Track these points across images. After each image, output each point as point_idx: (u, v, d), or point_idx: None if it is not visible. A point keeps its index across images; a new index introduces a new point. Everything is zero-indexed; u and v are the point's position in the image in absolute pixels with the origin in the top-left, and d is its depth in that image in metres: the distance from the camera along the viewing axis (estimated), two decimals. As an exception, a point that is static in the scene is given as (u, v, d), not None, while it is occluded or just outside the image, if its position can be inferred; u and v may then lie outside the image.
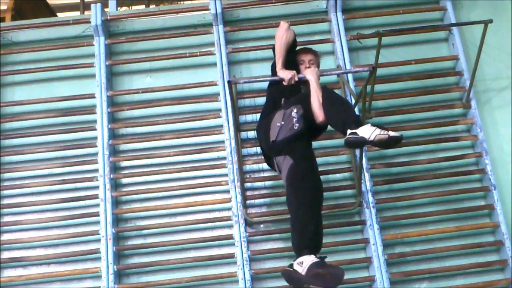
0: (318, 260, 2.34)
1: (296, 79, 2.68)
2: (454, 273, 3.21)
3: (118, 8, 4.06)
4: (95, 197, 3.30)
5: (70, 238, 3.28)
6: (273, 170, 2.96)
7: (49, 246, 3.31)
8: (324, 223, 3.06)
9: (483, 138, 3.35)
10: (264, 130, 2.73)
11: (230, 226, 3.28)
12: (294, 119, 2.60)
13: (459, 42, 3.50)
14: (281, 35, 2.81)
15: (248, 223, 3.25)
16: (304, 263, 2.33)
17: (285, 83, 2.70)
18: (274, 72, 2.83)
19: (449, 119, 3.44)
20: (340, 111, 2.47)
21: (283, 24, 2.85)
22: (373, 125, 2.30)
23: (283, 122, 2.61)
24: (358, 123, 2.36)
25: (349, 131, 2.34)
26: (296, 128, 2.59)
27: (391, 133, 2.26)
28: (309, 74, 2.69)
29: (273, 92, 2.90)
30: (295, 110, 2.62)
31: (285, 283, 3.12)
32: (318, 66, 2.97)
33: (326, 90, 2.64)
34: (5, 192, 3.39)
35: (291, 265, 2.41)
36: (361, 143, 2.31)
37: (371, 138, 2.25)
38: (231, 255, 3.19)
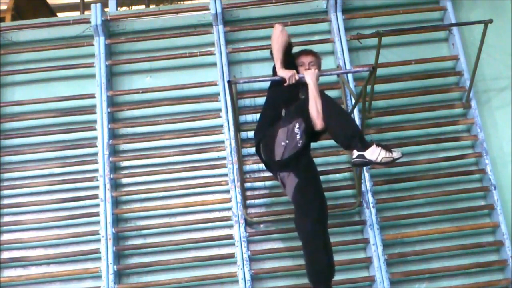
0: None
1: (297, 77, 2.68)
2: (454, 273, 3.21)
3: (118, 8, 4.06)
4: (95, 197, 3.30)
5: (70, 238, 3.28)
6: (271, 173, 2.97)
7: (49, 246, 3.31)
8: (324, 223, 3.08)
9: (483, 138, 3.35)
10: (268, 147, 2.73)
11: (230, 226, 3.28)
12: (297, 136, 2.62)
13: (459, 42, 3.50)
14: (277, 36, 2.81)
15: (248, 223, 3.25)
16: None
17: (285, 84, 2.70)
18: (275, 73, 2.82)
19: (449, 119, 3.44)
20: (342, 125, 2.55)
21: (278, 26, 2.86)
22: (378, 145, 2.44)
23: (287, 141, 2.63)
24: (363, 142, 2.48)
25: (355, 153, 2.46)
26: (299, 145, 2.63)
27: (395, 155, 2.45)
28: (308, 77, 2.68)
29: (273, 92, 2.90)
30: (297, 125, 2.63)
31: (285, 283, 3.15)
32: (319, 68, 2.96)
33: (325, 98, 2.65)
34: (5, 192, 3.39)
35: None
36: (368, 164, 2.52)
37: (378, 160, 2.45)
38: (231, 255, 3.19)
